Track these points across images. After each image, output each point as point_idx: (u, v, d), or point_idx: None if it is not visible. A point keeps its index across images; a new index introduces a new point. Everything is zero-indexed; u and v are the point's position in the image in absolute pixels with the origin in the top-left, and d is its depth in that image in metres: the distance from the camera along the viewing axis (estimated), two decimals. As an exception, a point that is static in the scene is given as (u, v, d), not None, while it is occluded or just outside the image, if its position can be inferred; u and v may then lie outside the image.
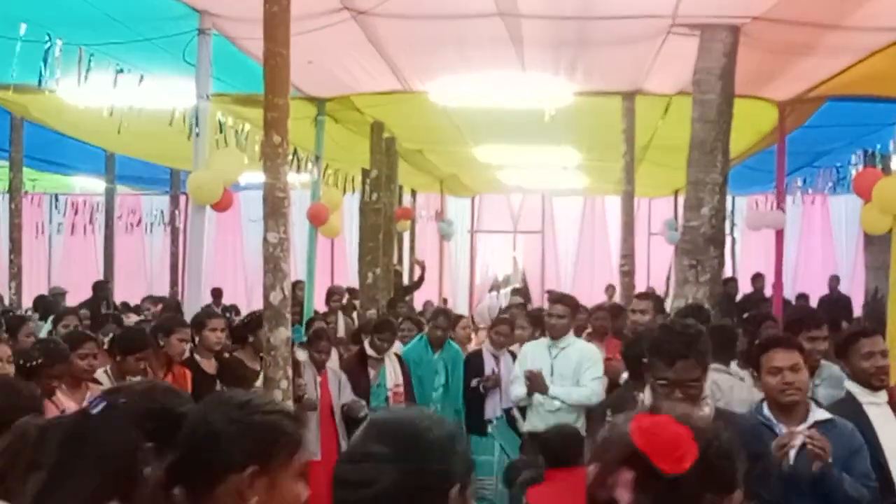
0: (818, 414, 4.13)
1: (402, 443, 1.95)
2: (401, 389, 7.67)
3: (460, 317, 9.93)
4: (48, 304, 13.02)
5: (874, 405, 4.53)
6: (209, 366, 6.52)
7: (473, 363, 8.26)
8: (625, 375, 5.93)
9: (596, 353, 7.21)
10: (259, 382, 6.43)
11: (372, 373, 7.69)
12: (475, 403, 8.10)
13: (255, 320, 6.89)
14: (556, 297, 7.61)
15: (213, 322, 6.66)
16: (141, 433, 2.16)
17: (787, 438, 3.91)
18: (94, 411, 2.19)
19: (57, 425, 2.28)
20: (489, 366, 8.17)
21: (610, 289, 16.86)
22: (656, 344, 3.75)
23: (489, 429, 8.08)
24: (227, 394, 2.26)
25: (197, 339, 6.54)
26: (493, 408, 8.09)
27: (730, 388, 5.33)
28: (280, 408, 2.22)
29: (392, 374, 7.70)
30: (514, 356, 8.33)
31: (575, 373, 6.99)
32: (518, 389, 7.17)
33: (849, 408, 4.44)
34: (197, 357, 6.52)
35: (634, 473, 1.83)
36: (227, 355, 6.77)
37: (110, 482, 2.14)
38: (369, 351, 7.71)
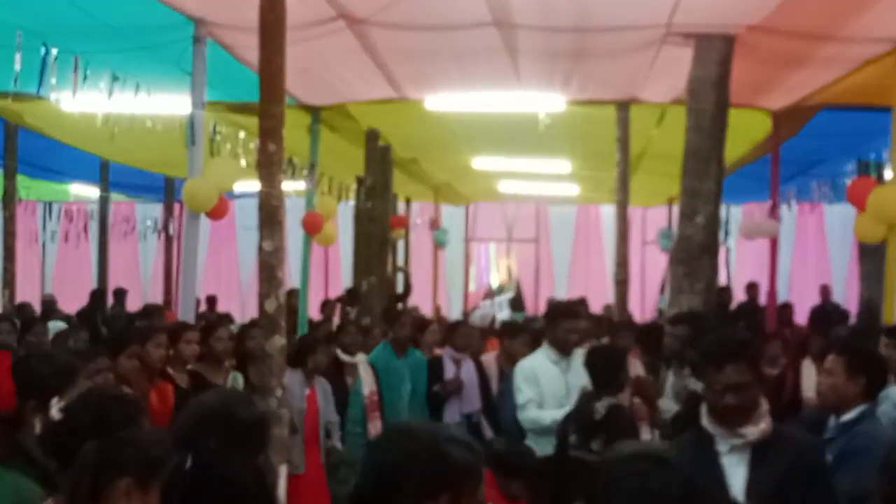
0: None
1: None
2: (375, 398, 7.66)
3: (428, 322, 9.74)
4: (30, 312, 12.97)
5: None
6: (182, 380, 6.33)
7: (433, 369, 8.21)
8: None
9: None
10: None
11: (349, 380, 7.68)
12: (435, 409, 8.07)
13: (205, 329, 6.74)
14: (575, 311, 6.87)
15: (188, 335, 6.43)
16: (250, 457, 2.32)
17: None
18: (188, 467, 2.28)
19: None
20: (450, 371, 8.12)
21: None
22: (707, 348, 3.72)
23: None
24: (405, 425, 2.29)
25: (171, 351, 6.31)
26: (452, 413, 8.03)
27: None
28: (462, 438, 2.25)
29: (367, 381, 7.69)
30: (476, 363, 8.31)
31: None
32: (553, 413, 6.10)
33: None
34: (170, 370, 6.31)
35: None
36: (189, 368, 6.48)
37: None
38: (342, 356, 7.67)
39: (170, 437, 2.47)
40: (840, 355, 4.36)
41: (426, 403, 8.14)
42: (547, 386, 6.31)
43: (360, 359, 7.84)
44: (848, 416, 4.22)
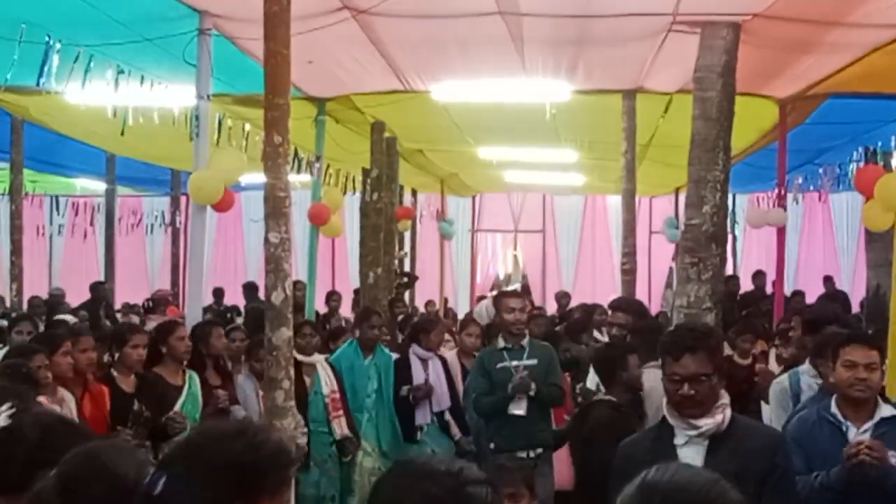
0: (885, 410, 4.21)
1: None
2: (337, 396, 7.51)
3: (435, 323, 9.57)
4: (50, 306, 13.03)
5: None
6: (128, 383, 6.18)
7: (400, 369, 8.07)
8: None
9: None
10: (182, 399, 6.27)
11: (307, 380, 7.44)
12: (405, 410, 7.95)
13: (163, 328, 6.64)
14: (617, 304, 7.01)
15: (135, 338, 6.25)
16: (226, 493, 2.04)
17: (855, 449, 4.00)
18: (157, 491, 2.02)
19: None
20: (417, 371, 8.00)
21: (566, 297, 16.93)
22: (666, 340, 3.72)
23: (420, 435, 7.94)
24: (423, 465, 2.01)
25: (116, 355, 6.23)
26: (423, 414, 7.96)
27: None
28: (484, 478, 2.00)
29: (327, 381, 7.53)
30: (443, 360, 8.24)
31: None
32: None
33: None
34: (114, 373, 6.19)
35: None
36: (145, 372, 6.35)
37: None
38: (297, 355, 7.45)
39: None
40: (874, 349, 4.31)
41: (394, 403, 8.01)
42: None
43: (318, 359, 7.66)
44: (889, 411, 4.23)
